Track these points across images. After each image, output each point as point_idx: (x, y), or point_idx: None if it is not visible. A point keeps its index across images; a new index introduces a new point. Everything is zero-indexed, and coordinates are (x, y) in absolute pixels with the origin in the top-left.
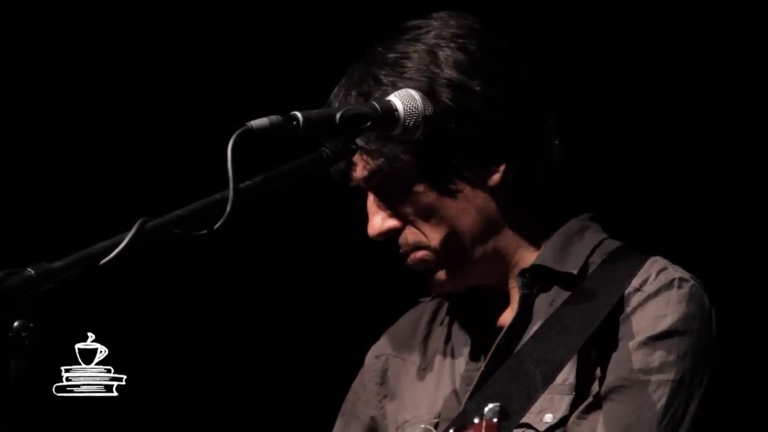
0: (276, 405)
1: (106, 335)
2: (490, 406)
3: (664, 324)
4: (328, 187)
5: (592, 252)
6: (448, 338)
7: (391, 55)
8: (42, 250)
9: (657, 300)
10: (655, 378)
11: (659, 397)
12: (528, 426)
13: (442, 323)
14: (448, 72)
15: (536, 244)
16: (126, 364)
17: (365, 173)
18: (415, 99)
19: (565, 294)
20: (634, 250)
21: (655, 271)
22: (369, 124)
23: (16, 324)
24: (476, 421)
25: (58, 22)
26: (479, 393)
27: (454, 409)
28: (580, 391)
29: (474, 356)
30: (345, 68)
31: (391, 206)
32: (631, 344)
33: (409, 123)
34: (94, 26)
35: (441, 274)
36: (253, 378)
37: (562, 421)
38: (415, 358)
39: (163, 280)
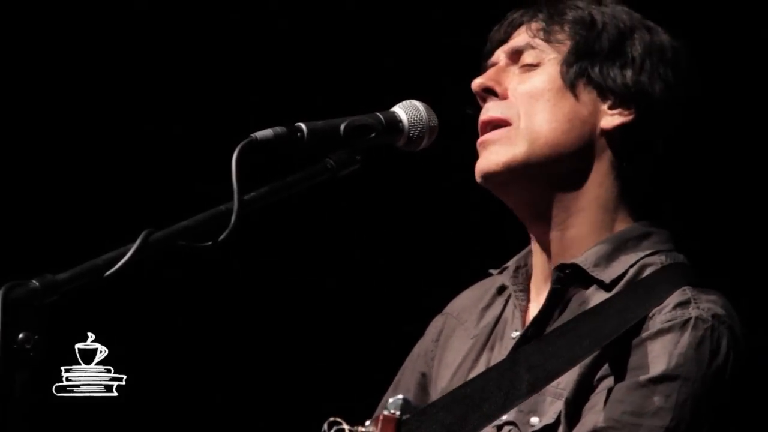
0: (275, 405)
1: (106, 335)
2: (393, 399)
3: (667, 367)
4: (331, 195)
5: (636, 263)
6: (502, 312)
7: None
8: (47, 261)
9: (666, 338)
10: (647, 423)
11: None
12: (514, 425)
13: (503, 295)
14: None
15: (596, 234)
16: (126, 364)
17: (521, 38)
18: (420, 110)
19: (600, 296)
20: (677, 273)
21: (673, 303)
22: (373, 135)
23: (21, 336)
24: (384, 413)
25: (65, 35)
26: (460, 387)
27: None
28: (573, 403)
29: (509, 339)
30: (350, 79)
31: (514, 74)
32: (629, 383)
33: (413, 134)
34: (101, 37)
35: (500, 153)
36: (253, 378)
37: (546, 429)
38: (470, 325)
39: (163, 280)
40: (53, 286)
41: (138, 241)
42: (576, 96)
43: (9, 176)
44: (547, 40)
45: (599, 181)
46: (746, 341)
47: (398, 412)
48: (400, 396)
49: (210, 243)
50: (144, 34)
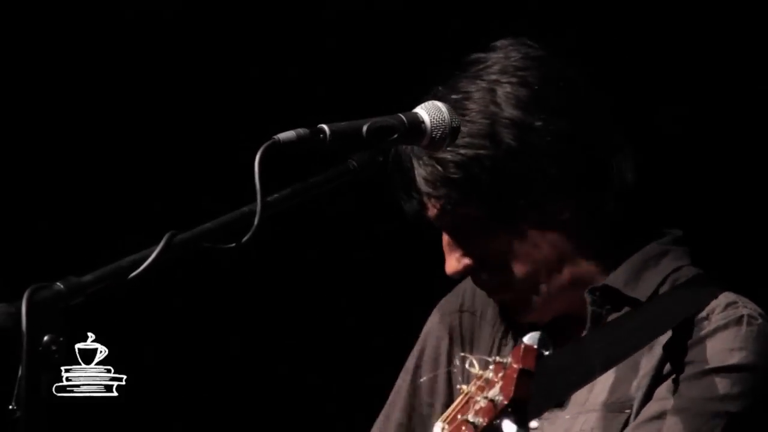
0: (275, 405)
1: (106, 335)
2: (531, 333)
3: (733, 358)
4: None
5: (665, 279)
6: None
7: (453, 96)
8: (71, 264)
9: (726, 333)
10: (713, 407)
11: (713, 427)
12: None
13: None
14: (509, 111)
15: (614, 266)
16: (126, 364)
17: (435, 214)
18: (442, 111)
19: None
20: (709, 281)
21: (723, 303)
22: (396, 136)
23: (46, 338)
24: (524, 344)
25: (78, 46)
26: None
27: None
28: (636, 412)
29: None
30: (372, 80)
31: (464, 246)
32: (696, 372)
33: (436, 135)
34: (120, 47)
35: (525, 307)
36: (252, 379)
37: None
38: (489, 322)
39: (163, 279)
40: (78, 289)
41: (162, 243)
42: (522, 229)
43: (32, 180)
44: (460, 214)
45: (592, 251)
46: None
47: (536, 345)
48: (539, 332)
49: (234, 245)
50: (164, 41)
